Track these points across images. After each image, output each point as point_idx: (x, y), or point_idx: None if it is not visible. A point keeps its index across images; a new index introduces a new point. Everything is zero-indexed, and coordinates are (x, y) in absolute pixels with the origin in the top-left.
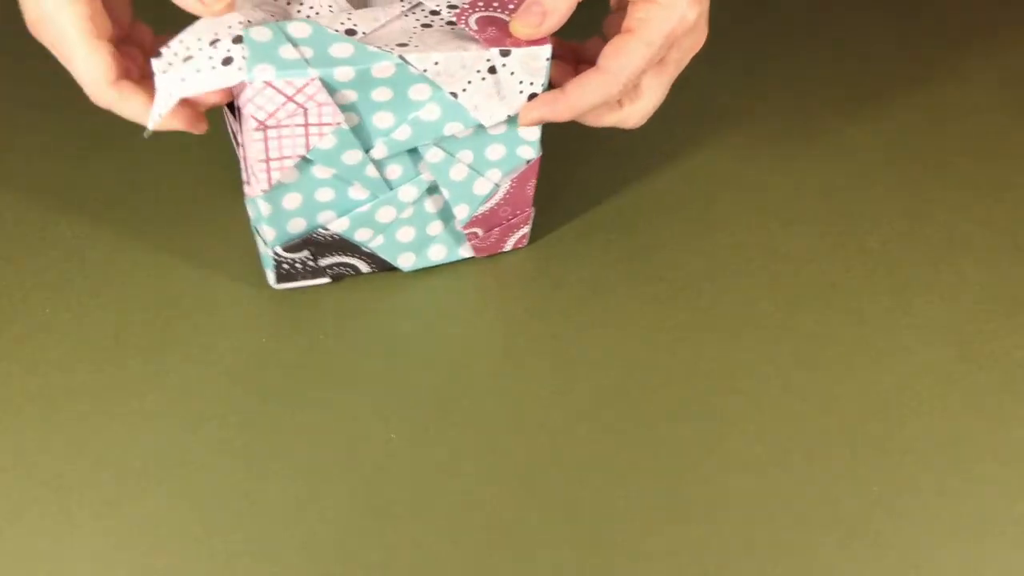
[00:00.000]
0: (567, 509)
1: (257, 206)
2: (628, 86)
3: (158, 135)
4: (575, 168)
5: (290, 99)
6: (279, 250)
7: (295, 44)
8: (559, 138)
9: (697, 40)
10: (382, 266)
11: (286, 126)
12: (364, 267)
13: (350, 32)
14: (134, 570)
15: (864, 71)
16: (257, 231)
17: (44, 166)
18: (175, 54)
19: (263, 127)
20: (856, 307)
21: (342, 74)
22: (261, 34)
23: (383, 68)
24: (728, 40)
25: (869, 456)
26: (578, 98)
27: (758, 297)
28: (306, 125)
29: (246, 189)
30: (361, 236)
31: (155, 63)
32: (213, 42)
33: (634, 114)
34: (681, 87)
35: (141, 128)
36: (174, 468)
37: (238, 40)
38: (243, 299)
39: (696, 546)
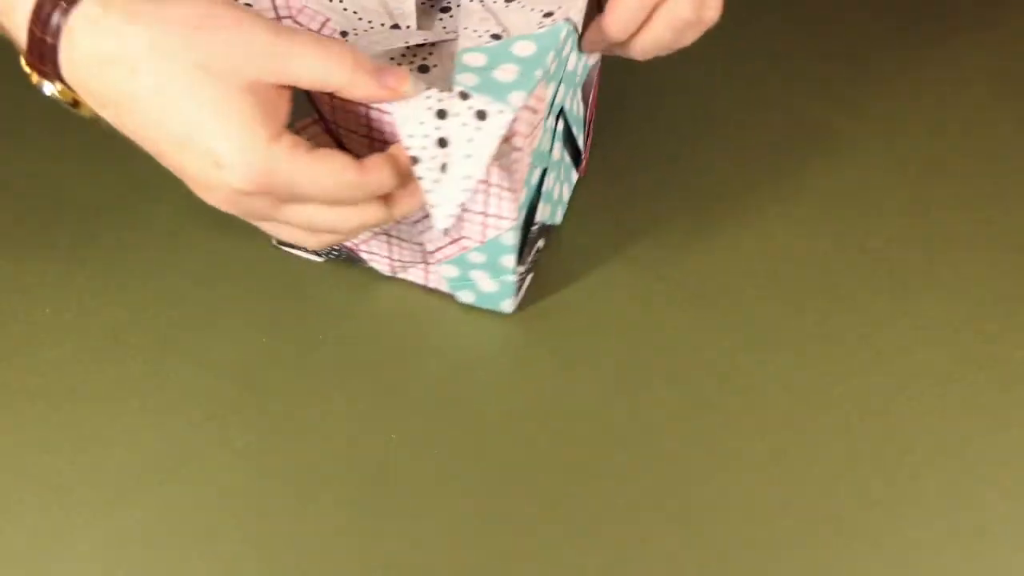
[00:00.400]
0: (567, 509)
1: (511, 235)
2: (631, 27)
3: None
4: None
5: (531, 110)
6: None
7: (507, 61)
8: None
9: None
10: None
11: (529, 137)
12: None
13: (495, 37)
14: (134, 570)
15: (864, 71)
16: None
17: (44, 166)
18: (424, 148)
19: (515, 150)
20: (856, 307)
21: (548, 67)
22: (476, 60)
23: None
24: (728, 40)
25: (869, 456)
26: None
27: (758, 297)
28: (535, 128)
29: (503, 223)
30: (543, 214)
31: (420, 170)
32: (440, 114)
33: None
34: (681, 87)
35: None
36: (174, 468)
37: (464, 96)
38: (244, 299)
39: (696, 546)
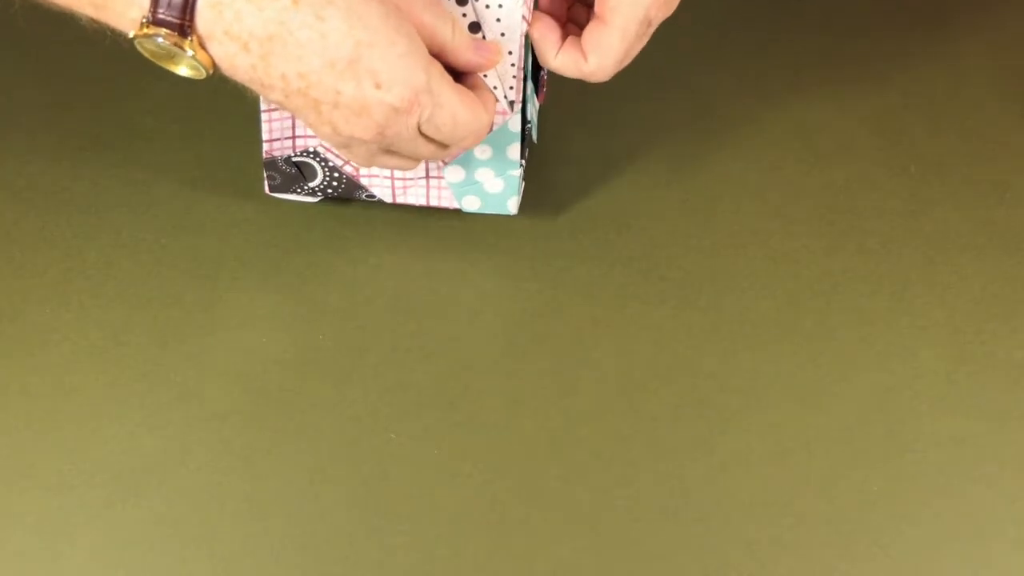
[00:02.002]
0: (567, 509)
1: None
2: (614, 72)
3: (162, 129)
4: (574, 168)
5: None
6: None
7: None
8: (559, 138)
9: (669, 7)
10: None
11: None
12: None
13: None
14: (134, 570)
15: (864, 71)
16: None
17: (43, 166)
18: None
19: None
20: (856, 307)
21: None
22: None
23: None
24: (728, 40)
25: (869, 456)
26: (561, 68)
27: (758, 297)
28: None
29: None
30: (531, 114)
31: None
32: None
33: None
34: (681, 87)
35: (140, 128)
36: (174, 468)
37: None
38: (244, 299)
39: (696, 546)
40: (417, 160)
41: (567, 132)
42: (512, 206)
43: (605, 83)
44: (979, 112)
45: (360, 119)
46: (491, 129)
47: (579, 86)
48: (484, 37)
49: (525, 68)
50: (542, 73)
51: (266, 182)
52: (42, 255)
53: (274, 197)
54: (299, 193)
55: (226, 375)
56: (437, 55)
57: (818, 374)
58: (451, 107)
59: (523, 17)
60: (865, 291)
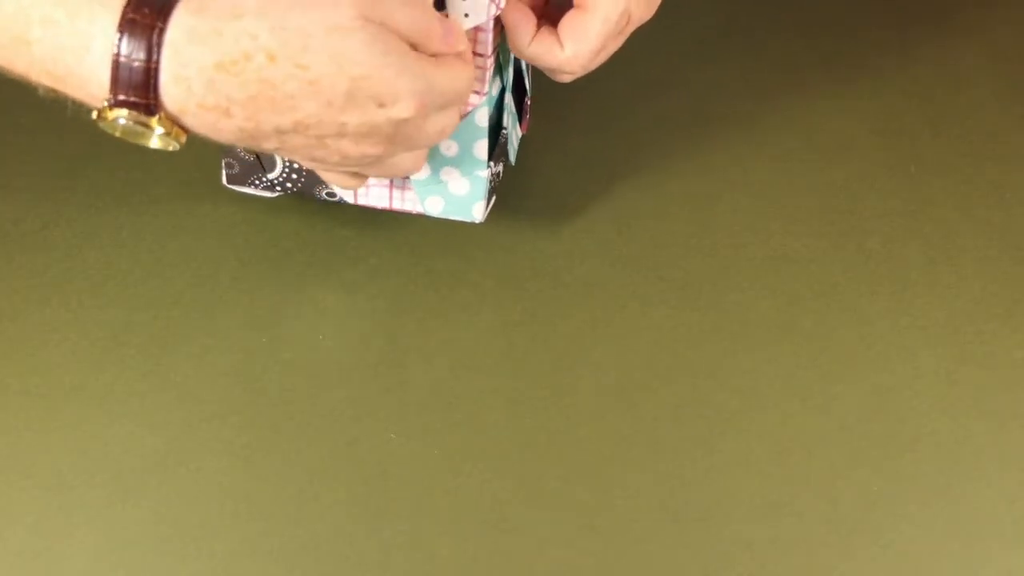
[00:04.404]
0: (567, 509)
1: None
2: (588, 66)
3: None
4: (574, 168)
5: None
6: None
7: None
8: (559, 138)
9: (650, 7)
10: None
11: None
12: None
13: None
14: (134, 570)
15: (864, 71)
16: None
17: (44, 166)
18: None
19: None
20: (856, 307)
21: None
22: None
23: None
24: (727, 40)
25: (869, 456)
26: (535, 56)
27: (758, 297)
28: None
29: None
30: (507, 122)
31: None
32: None
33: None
34: (681, 87)
35: None
36: (174, 468)
37: None
38: (243, 299)
39: (696, 546)
40: (426, 149)
41: (567, 132)
42: (477, 212)
43: (605, 83)
44: (979, 112)
45: (369, 138)
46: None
47: (579, 86)
48: (447, 16)
49: (504, 78)
50: (526, 99)
51: (224, 171)
52: (42, 255)
53: (270, 198)
54: (257, 187)
55: (226, 375)
56: (417, 43)
57: (818, 374)
58: (447, 82)
59: (494, 2)
60: (865, 291)
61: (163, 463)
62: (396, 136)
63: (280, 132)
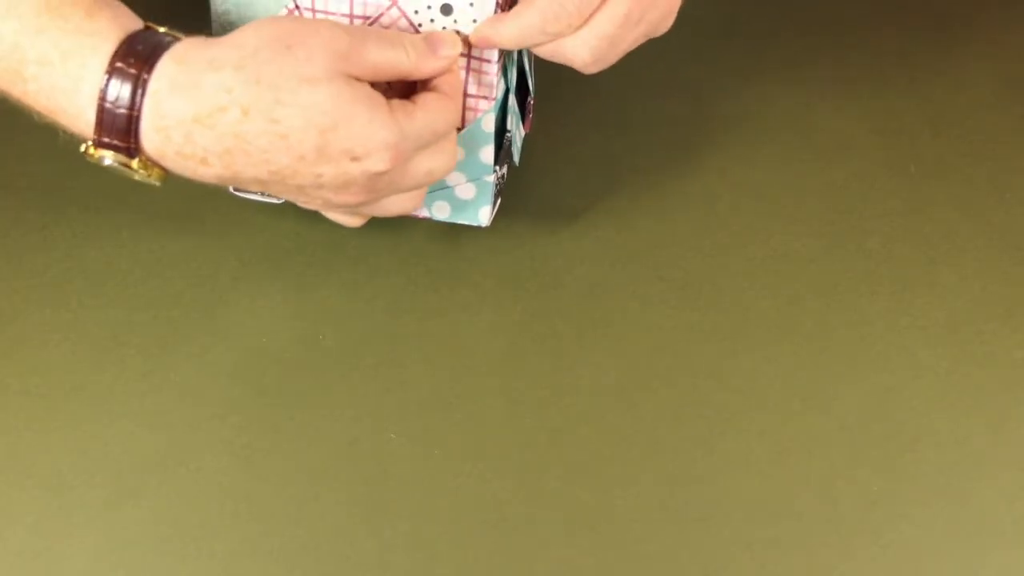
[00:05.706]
0: (567, 509)
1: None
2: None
3: None
4: (574, 168)
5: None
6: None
7: None
8: (559, 137)
9: (663, 16)
10: None
11: None
12: None
13: None
14: (134, 570)
15: (864, 71)
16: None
17: (44, 166)
18: (431, 21)
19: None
20: (856, 307)
21: None
22: None
23: None
24: (728, 40)
25: (869, 456)
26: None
27: (758, 297)
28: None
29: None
30: (511, 125)
31: None
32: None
33: (579, 49)
34: (681, 87)
35: None
36: (174, 468)
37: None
38: (243, 299)
39: (696, 546)
40: (420, 190)
41: (567, 132)
42: (484, 216)
43: (605, 83)
44: (979, 112)
45: (348, 188)
46: (464, 110)
47: (578, 85)
48: (456, 21)
49: (508, 79)
50: (529, 99)
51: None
52: (42, 255)
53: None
54: (263, 194)
55: (226, 375)
56: (402, 79)
57: (818, 374)
58: (423, 125)
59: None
60: (865, 291)
61: (163, 463)
62: (376, 186)
63: (259, 181)
